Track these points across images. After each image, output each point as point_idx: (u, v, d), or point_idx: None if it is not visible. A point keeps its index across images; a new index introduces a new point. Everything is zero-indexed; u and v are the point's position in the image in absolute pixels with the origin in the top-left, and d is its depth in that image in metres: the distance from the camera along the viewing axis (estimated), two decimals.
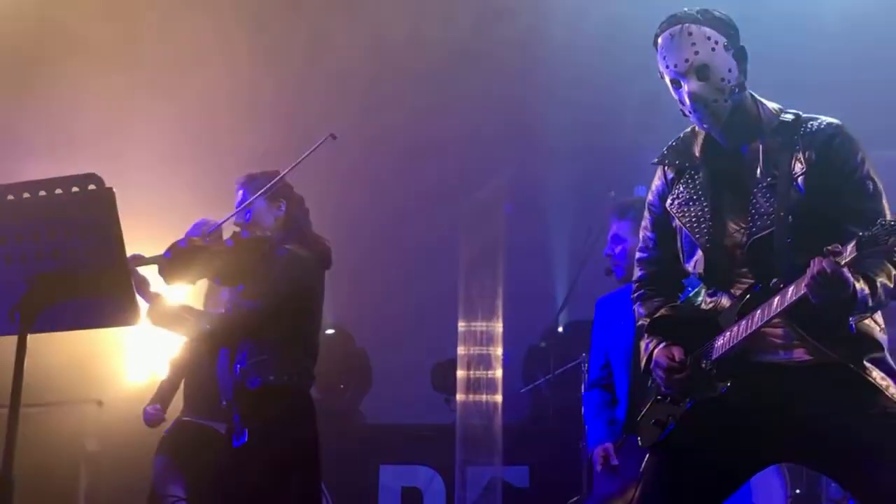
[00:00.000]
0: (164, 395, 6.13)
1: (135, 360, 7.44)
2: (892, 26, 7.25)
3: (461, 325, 7.19)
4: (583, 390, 5.54)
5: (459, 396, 7.16)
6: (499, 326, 7.19)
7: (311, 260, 4.49)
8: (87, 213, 2.97)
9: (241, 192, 4.63)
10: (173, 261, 4.18)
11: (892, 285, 3.03)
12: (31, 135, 7.35)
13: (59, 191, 2.95)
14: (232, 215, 4.52)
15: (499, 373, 7.15)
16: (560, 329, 7.14)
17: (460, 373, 7.17)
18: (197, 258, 4.21)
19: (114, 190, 2.95)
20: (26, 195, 2.97)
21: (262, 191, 4.51)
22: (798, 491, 5.96)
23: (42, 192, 2.96)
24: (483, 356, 7.18)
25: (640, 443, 3.41)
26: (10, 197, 2.97)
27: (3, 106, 7.33)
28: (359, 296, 6.93)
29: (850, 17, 7.24)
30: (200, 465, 5.49)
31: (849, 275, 2.87)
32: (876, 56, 7.33)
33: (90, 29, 7.37)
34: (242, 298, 4.37)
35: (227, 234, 4.45)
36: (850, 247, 2.85)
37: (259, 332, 4.35)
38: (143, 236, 4.40)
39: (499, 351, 7.19)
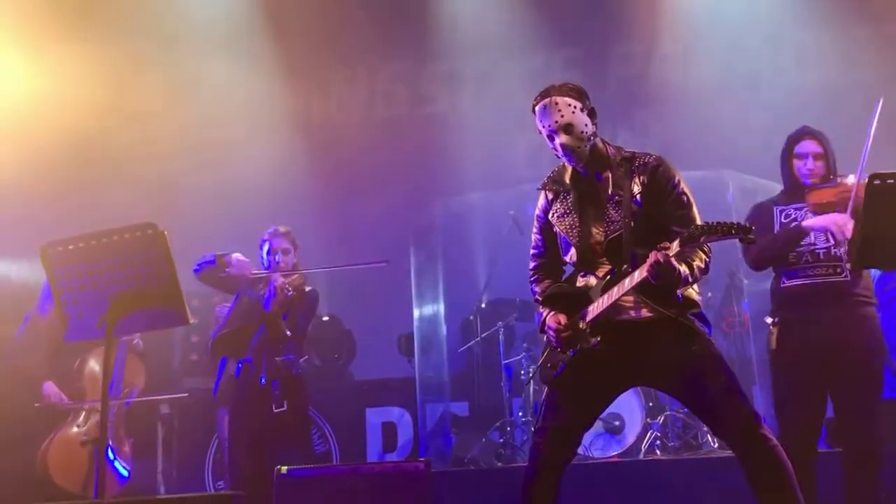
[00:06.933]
0: None
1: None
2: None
3: (415, 308, 7.24)
4: None
5: (417, 356, 7.22)
6: (441, 306, 7.28)
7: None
8: (148, 249, 3.01)
9: (282, 241, 4.88)
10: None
11: (703, 266, 3.16)
12: None
13: (127, 235, 3.00)
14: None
15: (443, 338, 7.22)
16: (483, 306, 7.17)
17: (417, 340, 7.23)
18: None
19: (166, 232, 3.00)
20: (105, 240, 3.02)
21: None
22: (650, 404, 6.08)
23: (115, 237, 3.01)
24: (432, 327, 7.23)
25: (540, 379, 3.44)
26: (94, 242, 3.02)
27: None
28: (344, 292, 7.01)
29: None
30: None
31: (675, 262, 3.00)
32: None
33: None
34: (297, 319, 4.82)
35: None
36: (675, 244, 2.99)
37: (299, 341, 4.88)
38: None
39: (442, 323, 7.26)
